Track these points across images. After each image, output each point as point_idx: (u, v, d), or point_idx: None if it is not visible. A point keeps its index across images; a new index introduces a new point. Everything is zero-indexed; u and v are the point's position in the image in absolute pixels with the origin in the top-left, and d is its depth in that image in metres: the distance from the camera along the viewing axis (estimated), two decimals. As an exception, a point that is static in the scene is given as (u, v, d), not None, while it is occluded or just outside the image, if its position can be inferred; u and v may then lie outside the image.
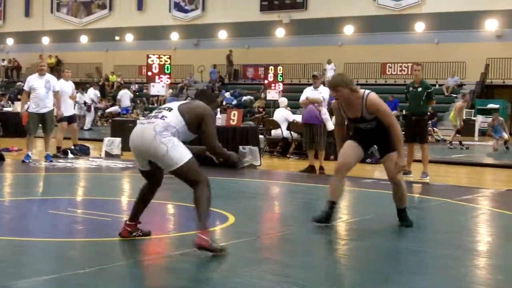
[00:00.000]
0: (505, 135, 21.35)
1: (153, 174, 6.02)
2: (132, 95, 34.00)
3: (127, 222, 6.15)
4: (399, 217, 7.36)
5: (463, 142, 22.29)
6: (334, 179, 7.22)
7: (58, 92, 13.90)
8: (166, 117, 5.75)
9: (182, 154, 5.68)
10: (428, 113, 13.60)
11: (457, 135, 22.33)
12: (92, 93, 30.18)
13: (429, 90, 12.51)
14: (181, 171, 5.70)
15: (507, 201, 9.84)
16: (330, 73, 32.86)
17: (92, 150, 16.35)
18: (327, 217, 7.12)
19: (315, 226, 7.03)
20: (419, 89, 12.48)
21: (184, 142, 5.84)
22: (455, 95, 32.81)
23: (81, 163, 13.99)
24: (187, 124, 5.77)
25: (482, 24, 34.10)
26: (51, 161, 13.53)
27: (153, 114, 5.93)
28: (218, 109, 23.57)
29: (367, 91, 7.03)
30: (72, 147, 15.39)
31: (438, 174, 13.45)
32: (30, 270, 5.04)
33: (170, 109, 5.84)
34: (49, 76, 13.76)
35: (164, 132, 5.65)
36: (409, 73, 34.95)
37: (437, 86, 33.92)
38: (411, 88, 12.62)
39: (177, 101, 6.65)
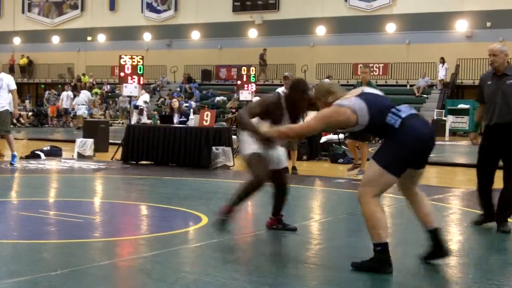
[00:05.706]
0: None
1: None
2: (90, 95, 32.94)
3: (270, 216, 7.03)
4: None
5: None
6: None
7: (14, 90, 13.17)
8: None
9: None
10: None
11: None
12: (147, 97, 28.96)
13: None
14: None
15: (477, 200, 9.92)
16: None
17: (64, 151, 16.24)
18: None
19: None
20: None
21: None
22: (426, 96, 33.11)
23: (53, 164, 13.89)
24: None
25: (453, 25, 34.40)
26: (13, 163, 12.86)
27: None
28: (192, 110, 23.59)
29: None
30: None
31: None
32: (1, 272, 5.01)
33: None
34: (3, 75, 13.11)
35: None
36: (381, 73, 35.26)
37: (408, 87, 34.25)
38: None
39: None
